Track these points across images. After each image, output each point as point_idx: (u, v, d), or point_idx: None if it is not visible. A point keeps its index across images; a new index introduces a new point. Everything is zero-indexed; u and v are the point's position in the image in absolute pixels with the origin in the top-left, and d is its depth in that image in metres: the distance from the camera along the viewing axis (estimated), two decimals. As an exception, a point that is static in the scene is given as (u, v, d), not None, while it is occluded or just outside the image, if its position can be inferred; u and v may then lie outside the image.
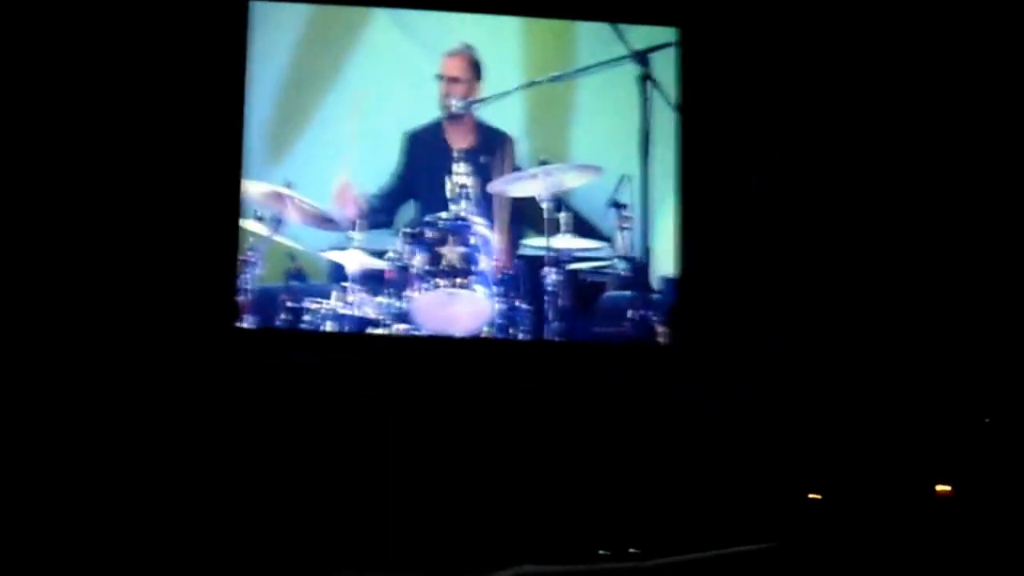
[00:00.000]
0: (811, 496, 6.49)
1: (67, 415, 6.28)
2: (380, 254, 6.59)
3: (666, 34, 6.92)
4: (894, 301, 6.79)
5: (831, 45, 6.95)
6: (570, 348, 6.68)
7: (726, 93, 6.93)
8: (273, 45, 6.72)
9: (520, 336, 6.61)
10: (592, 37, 6.91)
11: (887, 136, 6.90)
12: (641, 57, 6.82)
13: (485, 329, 6.59)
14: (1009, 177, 6.83)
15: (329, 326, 6.51)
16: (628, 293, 6.73)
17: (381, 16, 6.83)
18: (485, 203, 6.70)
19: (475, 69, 6.79)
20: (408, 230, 6.61)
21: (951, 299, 6.74)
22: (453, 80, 6.77)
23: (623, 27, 6.86)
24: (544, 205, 6.63)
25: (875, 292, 6.80)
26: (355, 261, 6.56)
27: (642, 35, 6.87)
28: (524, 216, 6.73)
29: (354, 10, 6.83)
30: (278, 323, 6.51)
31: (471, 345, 6.59)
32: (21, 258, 6.40)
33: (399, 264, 6.57)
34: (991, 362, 6.67)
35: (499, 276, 6.61)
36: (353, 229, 6.57)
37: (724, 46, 6.96)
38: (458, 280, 6.55)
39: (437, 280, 6.53)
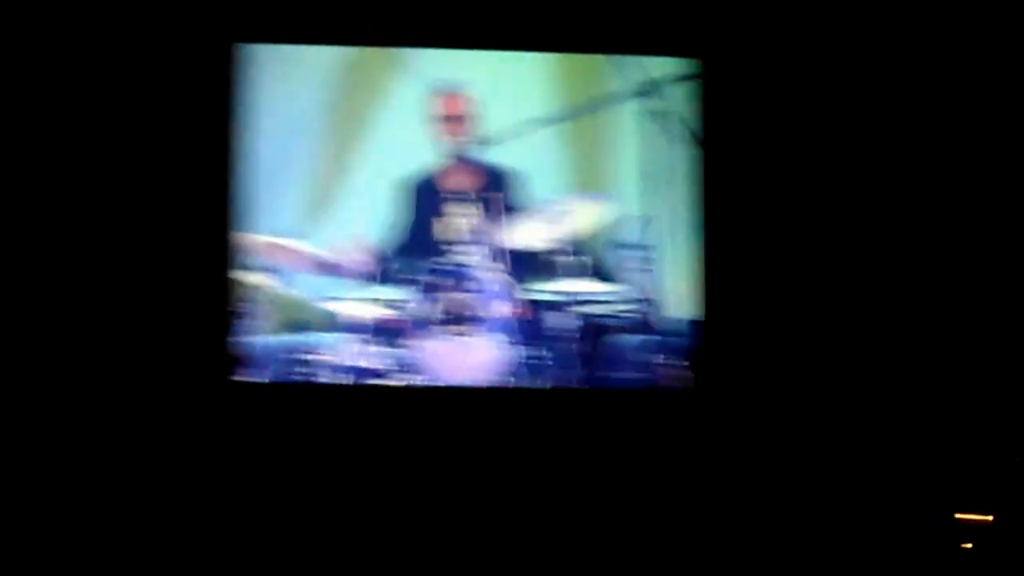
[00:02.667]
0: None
1: (62, 470, 6.10)
2: (384, 302, 6.34)
3: (683, 66, 6.63)
4: (934, 338, 6.43)
5: (858, 76, 6.64)
6: (584, 395, 6.36)
7: (748, 127, 6.61)
8: (268, 89, 6.50)
9: (531, 383, 6.30)
10: (605, 70, 6.61)
11: (922, 169, 6.56)
12: (654, 90, 6.54)
13: (494, 377, 6.30)
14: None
15: (331, 377, 6.27)
16: (644, 337, 6.40)
17: (379, 56, 6.60)
18: (492, 246, 6.43)
19: (471, 107, 6.55)
20: (412, 277, 6.37)
21: (994, 345, 6.40)
22: (454, 120, 6.53)
23: (638, 59, 6.58)
24: (555, 247, 6.37)
25: (912, 329, 6.43)
26: (357, 310, 6.31)
27: (658, 67, 6.58)
28: (534, 259, 6.45)
29: (350, 50, 6.58)
30: (277, 376, 6.27)
31: (480, 395, 6.30)
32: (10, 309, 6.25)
33: (403, 312, 6.32)
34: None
35: (508, 322, 6.34)
36: (355, 277, 6.35)
37: (746, 78, 6.64)
38: (465, 327, 6.30)
39: (443, 328, 6.29)
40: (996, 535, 5.58)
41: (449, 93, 6.54)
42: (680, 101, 6.57)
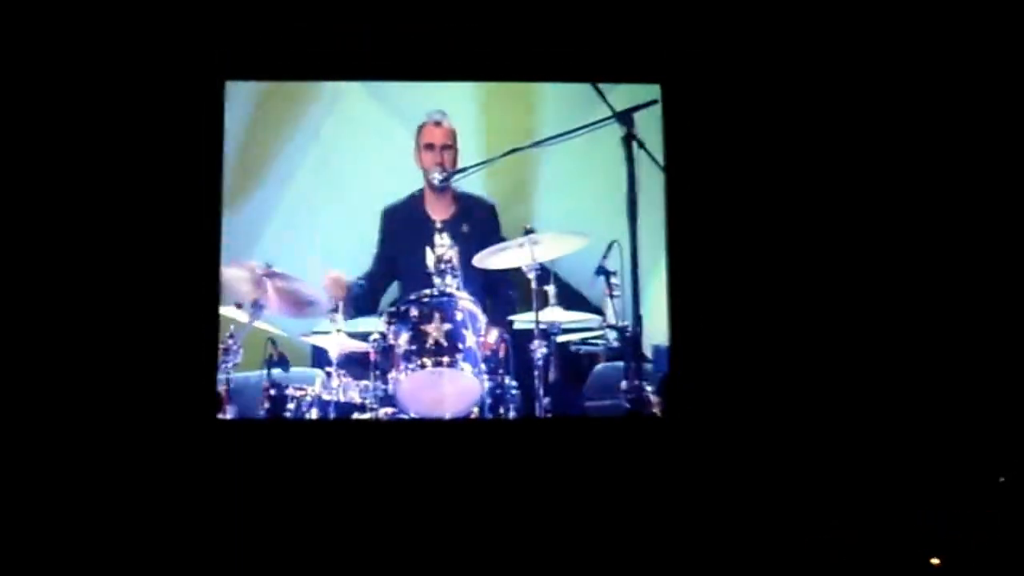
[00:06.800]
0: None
1: (47, 517, 6.13)
2: (363, 336, 6.40)
3: (649, 92, 6.70)
4: (905, 362, 6.58)
5: (822, 97, 6.74)
6: (562, 423, 6.48)
7: (714, 150, 6.70)
8: (247, 124, 6.52)
9: (510, 414, 6.41)
10: (573, 99, 6.69)
11: (890, 190, 6.68)
12: (624, 117, 6.58)
13: (469, 408, 6.38)
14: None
15: (313, 413, 6.33)
16: (620, 364, 6.52)
17: (355, 89, 6.64)
18: (469, 276, 6.50)
19: (453, 137, 6.60)
20: (390, 309, 6.43)
21: (968, 361, 6.56)
22: (431, 149, 6.58)
23: (604, 87, 6.64)
24: (530, 276, 6.45)
25: (883, 351, 6.58)
26: (338, 345, 6.37)
27: (625, 94, 6.64)
28: (510, 288, 6.54)
29: (327, 84, 6.62)
30: (260, 413, 6.33)
31: (460, 426, 6.39)
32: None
33: (383, 345, 6.39)
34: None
35: (483, 353, 6.42)
36: (334, 311, 6.40)
37: (710, 101, 6.72)
38: (444, 359, 6.36)
39: (422, 360, 6.34)
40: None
41: (430, 123, 6.59)
42: (646, 127, 6.63)
